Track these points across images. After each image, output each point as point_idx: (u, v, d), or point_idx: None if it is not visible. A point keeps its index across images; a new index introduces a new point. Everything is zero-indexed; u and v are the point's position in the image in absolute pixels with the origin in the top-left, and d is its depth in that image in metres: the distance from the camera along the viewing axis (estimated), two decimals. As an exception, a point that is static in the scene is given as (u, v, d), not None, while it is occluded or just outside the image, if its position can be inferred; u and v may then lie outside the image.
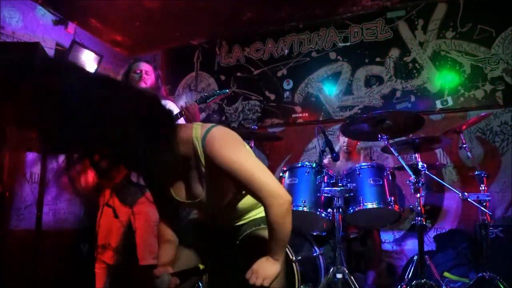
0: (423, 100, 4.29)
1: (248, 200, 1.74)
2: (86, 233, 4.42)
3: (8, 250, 3.40)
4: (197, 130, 1.49)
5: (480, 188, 3.03)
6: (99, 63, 4.84)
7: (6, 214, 3.86)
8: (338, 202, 2.73)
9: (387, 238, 4.15)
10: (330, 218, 2.83)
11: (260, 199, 1.47)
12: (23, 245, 3.32)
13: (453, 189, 2.89)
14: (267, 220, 1.48)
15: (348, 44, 4.72)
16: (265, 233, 1.70)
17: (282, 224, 1.48)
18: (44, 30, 4.44)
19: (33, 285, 2.87)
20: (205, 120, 5.25)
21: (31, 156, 4.20)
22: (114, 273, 3.10)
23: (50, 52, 4.31)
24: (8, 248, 3.52)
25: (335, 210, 2.73)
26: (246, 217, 1.82)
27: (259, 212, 1.82)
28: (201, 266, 1.70)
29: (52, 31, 4.55)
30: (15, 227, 4.01)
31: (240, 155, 1.46)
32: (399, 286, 2.84)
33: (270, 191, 1.44)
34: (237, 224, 1.82)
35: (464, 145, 3.20)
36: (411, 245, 4.05)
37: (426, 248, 3.81)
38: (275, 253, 1.53)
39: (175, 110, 3.34)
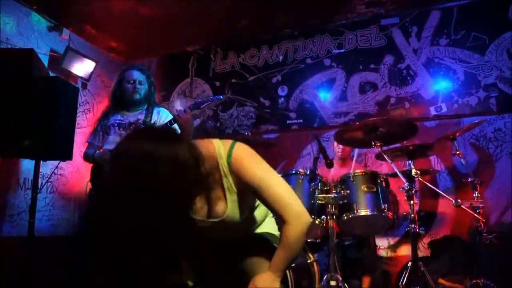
0: (417, 107, 4.31)
1: (261, 210, 1.74)
2: (80, 240, 4.39)
3: (0, 257, 3.37)
4: (220, 146, 1.49)
5: (474, 195, 3.03)
6: (93, 69, 4.85)
7: (-1, 221, 3.84)
8: (332, 209, 2.72)
9: (382, 244, 4.14)
10: (324, 225, 2.83)
11: (282, 216, 1.46)
12: (16, 251, 3.29)
13: (447, 196, 2.90)
14: (284, 236, 1.48)
15: (343, 50, 4.74)
16: (269, 238, 1.71)
17: (296, 244, 1.49)
18: (38, 36, 4.43)
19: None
20: (200, 127, 5.25)
21: (23, 162, 4.18)
22: (109, 280, 3.08)
23: (44, 59, 4.30)
24: (1, 255, 3.50)
25: (329, 217, 2.72)
26: (260, 227, 1.82)
27: (264, 226, 1.83)
28: (190, 283, 1.68)
29: (46, 37, 4.54)
30: (8, 234, 3.98)
31: (267, 172, 1.48)
32: (394, 293, 2.84)
33: (294, 210, 1.45)
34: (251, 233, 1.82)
35: (458, 152, 3.21)
36: (405, 251, 4.05)
37: (420, 254, 3.81)
38: (279, 270, 1.52)
39: (169, 117, 3.34)
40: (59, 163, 4.43)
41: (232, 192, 1.52)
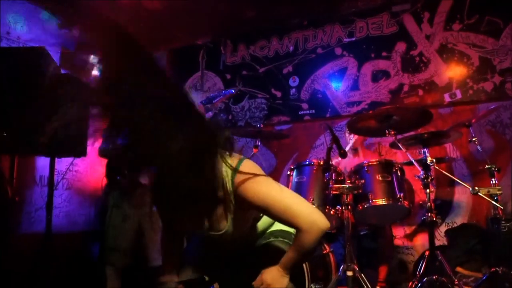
0: (431, 94, 4.24)
1: (265, 219, 1.73)
2: (96, 235, 4.44)
3: (19, 253, 3.42)
4: (227, 163, 1.45)
5: (491, 182, 2.98)
6: (105, 65, 4.86)
7: (17, 218, 3.89)
8: (347, 199, 2.71)
9: (398, 233, 4.11)
10: (339, 215, 2.81)
11: (297, 226, 1.44)
12: (34, 248, 3.34)
13: (464, 184, 2.86)
14: (298, 242, 1.46)
15: (354, 39, 4.68)
16: (280, 245, 1.69)
17: (309, 249, 1.48)
18: (49, 34, 4.45)
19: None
20: (212, 120, 5.23)
21: (40, 160, 4.23)
22: (124, 275, 3.12)
23: (56, 56, 4.32)
24: (20, 251, 3.55)
25: (344, 207, 2.71)
26: (264, 235, 1.81)
27: (274, 226, 1.81)
28: (207, 278, 1.68)
29: (57, 35, 4.56)
30: (26, 230, 4.04)
31: (272, 190, 1.44)
32: (411, 282, 2.81)
33: (310, 219, 1.42)
34: (256, 242, 1.80)
35: (474, 139, 3.16)
36: (422, 240, 4.01)
37: (437, 243, 3.78)
38: (288, 268, 1.52)
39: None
40: (74, 160, 4.47)
41: (234, 210, 1.49)
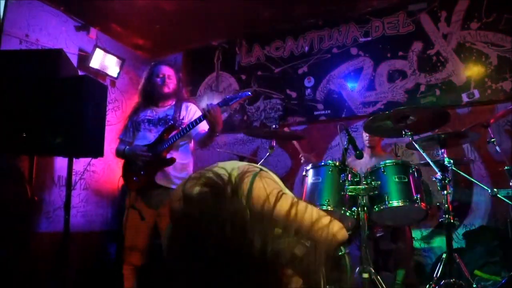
0: (449, 94, 4.19)
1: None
2: (114, 235, 4.50)
3: (38, 252, 3.48)
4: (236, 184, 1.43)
5: (511, 183, 2.93)
6: (121, 66, 4.92)
7: (36, 217, 3.95)
8: (363, 200, 2.69)
9: (415, 235, 4.06)
10: (355, 217, 2.79)
11: (315, 239, 1.44)
12: (53, 247, 3.39)
13: (482, 185, 2.81)
14: (315, 249, 1.45)
15: (370, 39, 4.65)
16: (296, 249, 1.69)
17: (326, 256, 1.46)
18: (67, 36, 4.53)
19: (62, 286, 2.93)
20: (227, 121, 5.26)
21: (58, 160, 4.29)
22: (141, 274, 3.14)
23: (73, 58, 4.39)
24: (39, 250, 3.61)
25: (360, 209, 2.69)
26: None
27: None
28: None
29: (74, 37, 4.63)
30: (45, 230, 4.10)
31: (290, 206, 1.43)
32: (428, 285, 2.77)
33: (331, 232, 1.39)
34: None
35: (492, 139, 3.11)
36: (439, 242, 3.96)
37: (455, 246, 3.73)
38: (309, 279, 1.51)
39: (197, 112, 3.35)
40: (91, 160, 4.53)
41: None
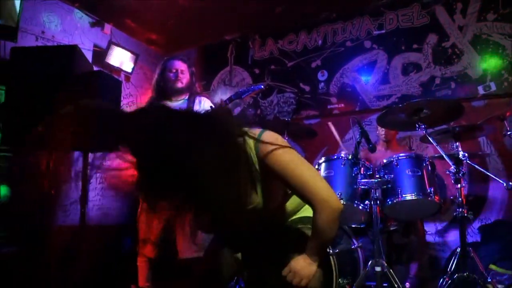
0: (464, 87, 4.13)
1: (294, 200, 1.73)
2: (129, 228, 4.55)
3: (55, 245, 3.54)
4: (249, 135, 1.48)
5: (527, 177, 2.89)
6: (135, 62, 4.97)
7: (53, 210, 4.03)
8: (376, 194, 2.68)
9: (429, 229, 4.04)
10: (368, 210, 2.78)
11: (311, 203, 1.46)
12: (70, 240, 3.45)
13: (498, 179, 2.78)
14: (314, 223, 1.47)
15: (383, 31, 4.60)
16: (303, 231, 1.70)
17: (328, 230, 1.48)
18: (81, 33, 4.58)
19: (78, 279, 2.98)
20: (240, 115, 5.28)
21: (74, 154, 4.36)
22: (155, 266, 3.19)
23: (88, 54, 4.44)
24: (56, 243, 3.67)
25: (372, 202, 2.68)
26: (293, 218, 1.82)
27: (303, 211, 1.82)
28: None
29: (89, 33, 4.69)
30: (62, 223, 4.18)
31: (295, 159, 1.46)
32: (442, 279, 2.76)
33: (323, 196, 1.43)
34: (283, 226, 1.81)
35: (508, 132, 3.06)
36: (454, 236, 3.93)
37: (470, 240, 3.70)
38: (314, 254, 1.53)
39: (210, 105, 3.37)
40: (106, 155, 4.58)
41: (262, 179, 1.51)
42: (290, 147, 1.49)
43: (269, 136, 1.48)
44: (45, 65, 3.11)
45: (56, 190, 4.04)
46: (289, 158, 1.45)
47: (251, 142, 1.46)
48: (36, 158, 3.68)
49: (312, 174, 1.46)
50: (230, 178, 1.31)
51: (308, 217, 1.78)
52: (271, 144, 1.44)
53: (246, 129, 1.49)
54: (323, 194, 1.43)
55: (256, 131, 1.49)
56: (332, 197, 1.44)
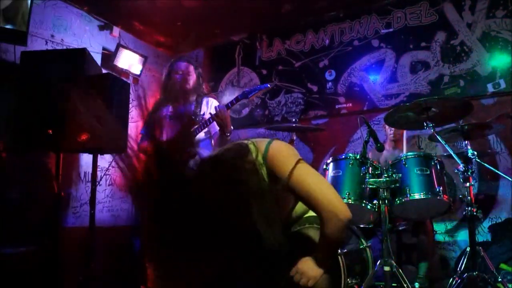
0: (473, 84, 4.10)
1: (300, 205, 1.73)
2: (138, 229, 4.58)
3: (65, 247, 3.58)
4: (255, 146, 1.47)
5: (538, 175, 2.86)
6: (143, 64, 5.00)
7: (63, 212, 4.07)
8: (384, 193, 2.66)
9: (439, 229, 4.01)
10: (376, 210, 2.77)
11: (319, 213, 1.45)
12: (80, 241, 3.49)
13: (508, 177, 2.76)
14: (322, 232, 1.47)
15: (391, 30, 4.58)
16: (310, 232, 1.70)
17: (336, 239, 1.48)
18: (90, 36, 4.63)
19: (88, 279, 3.01)
20: (248, 115, 5.30)
21: (83, 156, 4.40)
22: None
23: (97, 57, 4.48)
24: (66, 244, 3.71)
25: (380, 202, 2.67)
26: (300, 221, 1.82)
27: (310, 211, 1.82)
28: None
29: (98, 36, 4.73)
30: (72, 225, 4.22)
31: (303, 168, 1.46)
32: (451, 279, 2.74)
33: (330, 208, 1.42)
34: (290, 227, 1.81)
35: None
36: (464, 236, 3.89)
37: (480, 239, 3.66)
38: (322, 257, 1.53)
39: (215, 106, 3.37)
40: (115, 156, 4.62)
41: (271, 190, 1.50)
42: (296, 158, 1.48)
43: (276, 148, 1.48)
44: (55, 68, 3.15)
45: (66, 193, 4.09)
46: (297, 172, 1.44)
47: (259, 156, 1.45)
48: (46, 160, 3.72)
49: (319, 185, 1.46)
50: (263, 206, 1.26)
51: (315, 217, 1.78)
52: (279, 158, 1.44)
53: (252, 141, 1.49)
54: (330, 206, 1.43)
55: (263, 143, 1.49)
56: (338, 207, 1.44)
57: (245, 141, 1.46)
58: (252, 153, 1.42)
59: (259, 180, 1.33)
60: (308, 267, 1.51)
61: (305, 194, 1.43)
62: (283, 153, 1.48)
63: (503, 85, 3.95)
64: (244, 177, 1.24)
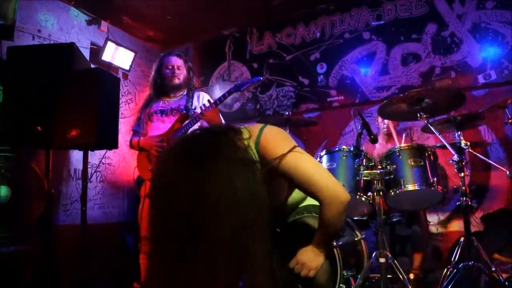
0: (464, 76, 4.11)
1: (297, 194, 1.71)
2: (131, 226, 4.55)
3: (57, 245, 3.54)
4: (247, 133, 1.41)
5: (530, 165, 2.87)
6: (133, 59, 4.94)
7: (53, 210, 4.01)
8: (378, 185, 2.65)
9: (432, 220, 4.02)
10: (371, 201, 2.77)
11: (317, 198, 1.43)
12: (71, 239, 3.45)
13: (500, 167, 2.76)
14: (322, 216, 1.45)
15: (382, 22, 4.57)
16: (309, 221, 1.68)
17: (334, 224, 1.47)
18: (78, 31, 4.55)
19: (81, 277, 2.97)
20: (240, 109, 5.27)
21: (73, 153, 4.34)
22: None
23: (85, 52, 4.41)
24: (57, 242, 3.67)
25: (375, 194, 2.66)
26: (297, 210, 1.81)
27: (308, 200, 1.80)
28: None
29: (86, 31, 4.66)
30: (63, 223, 4.17)
31: (297, 152, 1.43)
32: (446, 269, 2.75)
33: (330, 191, 1.41)
34: (288, 216, 1.80)
35: (510, 121, 3.04)
36: (457, 226, 3.92)
37: (473, 230, 3.68)
38: (321, 246, 1.52)
39: (210, 100, 3.35)
40: (106, 153, 4.58)
41: (264, 177, 1.47)
42: (290, 143, 1.45)
43: (269, 133, 1.44)
44: (42, 63, 3.08)
45: (56, 190, 4.03)
46: (291, 156, 1.40)
47: (251, 142, 1.40)
48: (35, 157, 3.66)
49: (315, 169, 1.44)
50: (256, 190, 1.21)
51: (313, 205, 1.77)
52: (271, 143, 1.41)
53: (245, 127, 1.43)
54: (329, 188, 1.41)
55: (255, 128, 1.45)
56: (338, 190, 1.43)
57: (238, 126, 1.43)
58: (245, 136, 1.38)
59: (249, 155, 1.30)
60: (308, 258, 1.50)
61: (303, 179, 1.41)
62: (278, 136, 1.45)
63: (493, 76, 3.97)
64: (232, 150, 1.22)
